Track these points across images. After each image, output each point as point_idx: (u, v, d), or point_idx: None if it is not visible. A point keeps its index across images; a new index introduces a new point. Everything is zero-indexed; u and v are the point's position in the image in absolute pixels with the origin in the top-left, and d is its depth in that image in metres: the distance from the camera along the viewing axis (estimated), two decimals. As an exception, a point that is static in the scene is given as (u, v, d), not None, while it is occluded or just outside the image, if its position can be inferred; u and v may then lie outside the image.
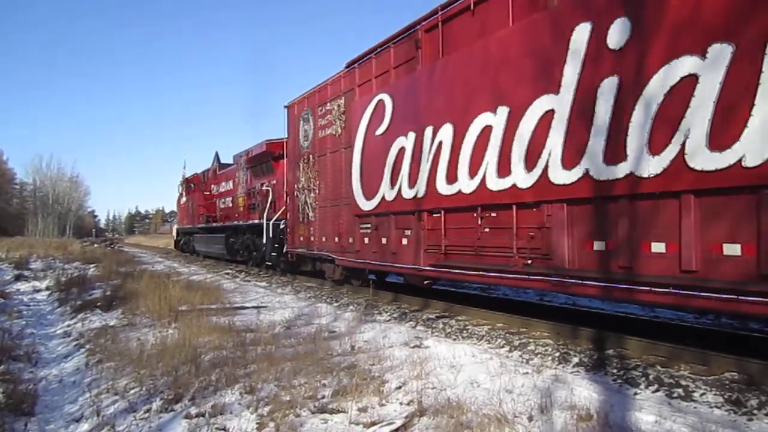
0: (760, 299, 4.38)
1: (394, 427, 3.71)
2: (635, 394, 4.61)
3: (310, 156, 12.65)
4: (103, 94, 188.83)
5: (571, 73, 6.04)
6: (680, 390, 4.63)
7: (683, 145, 4.90)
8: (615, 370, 5.27)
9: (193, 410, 4.27)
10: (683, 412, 4.05)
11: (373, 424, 3.80)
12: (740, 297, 4.51)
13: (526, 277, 6.73)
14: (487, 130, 7.20)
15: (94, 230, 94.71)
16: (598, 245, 5.84)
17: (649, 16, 5.28)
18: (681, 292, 5.00)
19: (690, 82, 4.87)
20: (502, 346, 6.48)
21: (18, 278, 16.23)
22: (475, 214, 7.52)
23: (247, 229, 18.37)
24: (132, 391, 4.93)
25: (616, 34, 5.55)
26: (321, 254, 12.24)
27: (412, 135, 8.73)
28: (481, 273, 7.45)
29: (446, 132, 7.93)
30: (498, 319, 7.80)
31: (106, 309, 9.59)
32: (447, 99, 8.00)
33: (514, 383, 4.55)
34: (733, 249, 4.70)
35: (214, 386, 4.74)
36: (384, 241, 9.73)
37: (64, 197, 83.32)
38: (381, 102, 9.63)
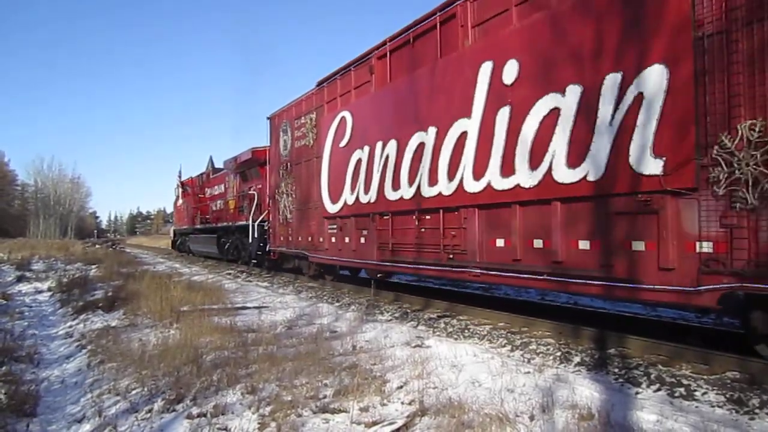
0: (600, 283, 5.81)
1: (395, 426, 3.71)
2: (637, 393, 4.61)
3: (288, 164, 14.08)
4: (103, 94, 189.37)
5: (478, 102, 7.46)
6: (682, 389, 4.63)
7: (551, 163, 6.32)
8: (616, 370, 5.27)
9: (195, 410, 4.27)
10: (685, 411, 4.05)
11: (375, 423, 3.80)
12: (588, 282, 5.93)
13: (450, 269, 8.12)
14: (421, 147, 8.64)
15: (95, 231, 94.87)
16: (499, 242, 7.32)
17: (529, 58, 6.69)
18: (553, 279, 6.39)
19: (555, 113, 6.29)
20: (504, 346, 6.48)
21: (20, 279, 16.25)
22: (414, 217, 8.91)
23: (236, 230, 19.55)
24: (134, 392, 4.94)
25: (509, 73, 6.98)
26: (298, 252, 13.58)
27: (367, 148, 10.14)
28: (418, 266, 8.87)
29: (392, 147, 9.38)
30: (499, 319, 7.80)
31: (108, 310, 9.60)
32: (392, 118, 9.43)
33: (516, 383, 4.56)
34: (585, 245, 6.07)
35: (215, 386, 4.75)
36: (347, 240, 11.06)
37: (65, 198, 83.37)
38: (344, 118, 11.05)
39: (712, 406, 4.25)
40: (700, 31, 4.97)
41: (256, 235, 16.96)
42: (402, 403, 4.24)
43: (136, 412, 4.45)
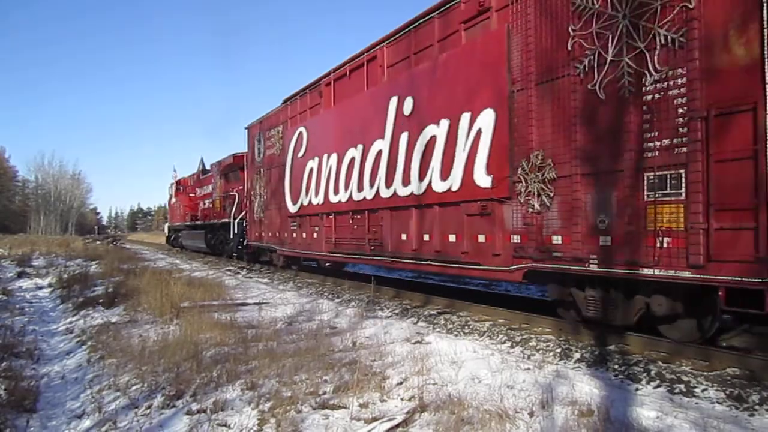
0: (460, 266, 7.83)
1: (395, 422, 3.71)
2: (637, 389, 4.61)
3: (261, 169, 16.12)
4: (104, 90, 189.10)
5: (389, 127, 9.43)
6: (682, 386, 4.62)
7: (431, 177, 8.30)
8: (616, 366, 5.27)
9: (195, 406, 4.28)
10: (685, 407, 4.05)
11: (374, 419, 3.80)
12: (455, 265, 7.95)
13: (371, 257, 10.19)
14: (353, 160, 10.63)
15: (96, 227, 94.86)
16: (402, 236, 9.20)
17: (419, 95, 8.68)
18: (436, 263, 8.34)
19: (434, 139, 8.28)
20: (504, 342, 6.48)
21: (20, 275, 16.27)
22: (348, 216, 10.99)
23: (220, 227, 21.60)
24: (133, 388, 4.94)
25: (407, 106, 8.97)
26: (269, 246, 15.71)
27: (317, 159, 12.23)
28: (353, 256, 10.92)
29: (334, 159, 11.44)
30: (500, 315, 7.80)
31: (108, 306, 9.61)
32: (334, 136, 11.45)
33: (516, 379, 4.56)
34: (452, 237, 8.00)
35: (215, 382, 4.75)
36: (304, 235, 13.16)
37: (66, 194, 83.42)
38: (301, 133, 13.12)
39: (712, 403, 4.25)
40: (513, 87, 6.90)
41: (236, 232, 19.15)
42: (402, 399, 4.25)
43: (135, 408, 4.45)
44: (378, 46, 10.04)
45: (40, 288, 13.89)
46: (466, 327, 7.36)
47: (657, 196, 5.21)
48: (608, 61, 5.66)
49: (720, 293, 4.86)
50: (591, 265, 5.84)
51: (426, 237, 8.59)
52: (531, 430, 3.53)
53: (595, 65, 5.80)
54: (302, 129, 13.04)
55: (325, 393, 4.39)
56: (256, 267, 18.02)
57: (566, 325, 6.74)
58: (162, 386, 4.84)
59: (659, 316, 5.67)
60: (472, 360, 5.16)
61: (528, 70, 6.64)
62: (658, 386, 4.68)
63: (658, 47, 5.23)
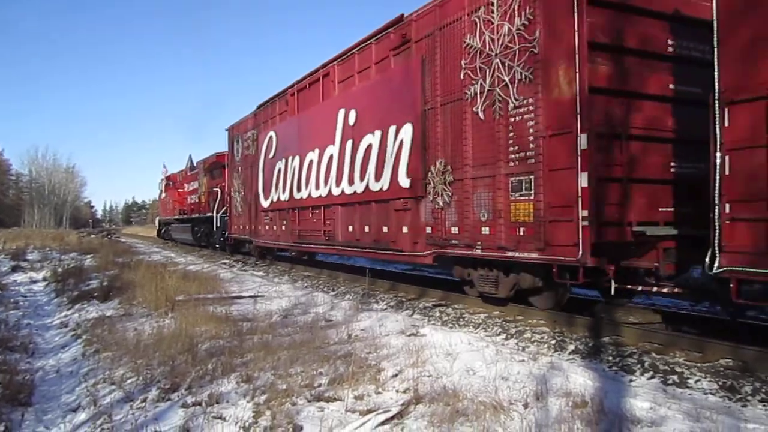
0: (391, 252, 9.39)
1: (390, 414, 3.72)
2: (630, 381, 4.64)
3: (239, 168, 17.70)
4: (98, 84, 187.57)
5: (338, 135, 10.88)
6: (675, 377, 4.65)
7: (368, 178, 9.76)
8: (611, 358, 5.30)
9: (190, 399, 4.28)
10: (678, 398, 4.08)
11: (370, 411, 3.82)
12: (387, 251, 9.51)
13: (327, 246, 11.87)
14: (311, 162, 12.09)
15: (90, 221, 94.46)
16: (351, 227, 10.66)
17: (361, 109, 10.13)
18: (374, 251, 9.96)
19: (370, 146, 9.71)
20: (499, 334, 6.50)
21: (15, 269, 16.20)
22: (309, 211, 12.54)
23: (205, 221, 23.20)
24: (129, 381, 4.94)
25: (352, 118, 10.38)
26: (247, 238, 17.37)
27: (284, 160, 13.65)
28: (313, 245, 12.62)
29: (297, 161, 12.88)
30: (495, 308, 7.82)
31: (103, 299, 9.59)
32: (297, 140, 12.94)
33: (510, 371, 4.57)
34: (385, 229, 9.48)
35: (210, 375, 4.76)
36: (275, 228, 14.62)
37: (60, 188, 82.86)
38: (271, 136, 14.58)
39: (705, 394, 4.28)
40: (426, 106, 8.37)
41: (218, 225, 21.07)
42: (397, 391, 4.26)
43: (131, 401, 4.46)
44: (331, 64, 11.50)
45: (35, 282, 13.84)
46: (461, 319, 7.38)
47: (516, 196, 6.74)
48: (486, 90, 7.17)
49: (554, 269, 6.28)
50: (476, 250, 7.39)
51: (366, 228, 10.12)
52: (525, 422, 3.55)
53: (478, 92, 7.30)
54: (272, 133, 14.59)
55: (320, 385, 4.39)
56: (251, 260, 18.07)
57: (561, 317, 6.77)
58: (157, 379, 4.83)
59: (526, 290, 7.19)
60: (467, 352, 5.17)
61: (435, 93, 8.16)
62: (652, 377, 4.71)
63: (517, 81, 6.68)
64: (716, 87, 4.85)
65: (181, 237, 29.00)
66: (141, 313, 8.07)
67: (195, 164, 26.77)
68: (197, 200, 25.44)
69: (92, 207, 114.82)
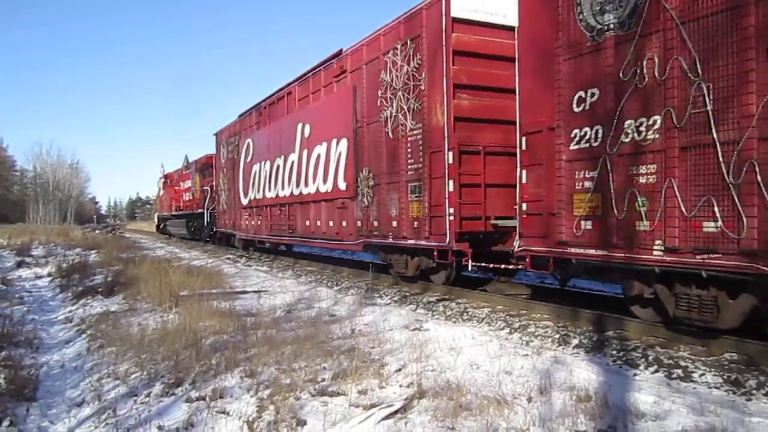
0: (337, 242, 11.86)
1: (393, 409, 3.72)
2: (635, 375, 4.62)
3: (225, 169, 19.93)
4: (102, 79, 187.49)
5: (297, 145, 12.97)
6: (679, 371, 4.64)
7: (318, 181, 11.90)
8: (615, 352, 5.28)
9: (194, 394, 4.29)
10: (682, 392, 4.06)
11: (373, 406, 3.81)
12: (336, 241, 11.80)
13: (290, 238, 14.30)
14: (278, 167, 14.23)
15: (95, 216, 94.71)
16: (308, 222, 12.77)
17: (314, 124, 12.26)
18: (332, 241, 12.07)
19: (320, 155, 11.78)
20: (502, 329, 6.49)
21: (20, 265, 16.28)
22: (278, 208, 14.76)
23: (198, 216, 25.47)
24: (133, 376, 4.96)
25: (307, 131, 12.50)
26: (231, 232, 19.63)
27: (258, 164, 15.88)
28: (281, 237, 14.90)
29: (268, 165, 15.06)
30: (498, 302, 7.82)
31: (108, 295, 9.62)
32: (268, 147, 15.18)
33: (514, 365, 4.57)
34: (332, 223, 11.60)
35: (214, 370, 4.76)
36: (253, 222, 16.93)
37: (64, 184, 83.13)
38: (249, 143, 16.95)
39: (710, 388, 4.26)
40: (356, 124, 10.39)
41: (208, 220, 23.51)
42: (400, 385, 4.25)
43: (135, 396, 4.47)
44: (293, 84, 13.82)
45: (40, 277, 13.91)
46: (465, 314, 7.38)
47: (413, 197, 8.80)
48: (393, 115, 9.22)
49: (435, 253, 8.38)
50: (389, 239, 9.47)
51: (318, 223, 12.24)
52: (529, 416, 3.54)
53: (388, 117, 9.35)
54: (250, 140, 16.88)
55: (323, 380, 4.39)
56: (255, 255, 18.25)
57: (564, 312, 6.76)
58: (161, 374, 4.85)
59: (426, 270, 9.17)
60: (470, 346, 5.17)
61: (362, 114, 10.22)
62: (656, 371, 4.69)
63: (412, 110, 8.71)
64: (518, 123, 6.83)
65: (177, 231, 30.98)
66: (145, 308, 8.09)
67: (190, 164, 28.77)
68: (191, 197, 27.59)
69: (97, 202, 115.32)
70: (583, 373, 4.31)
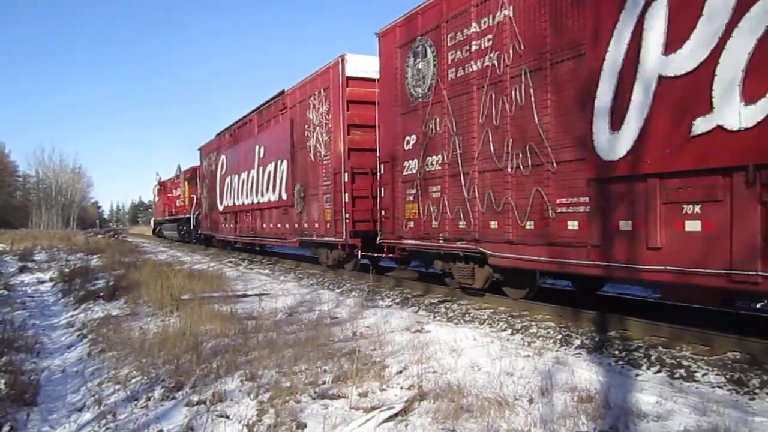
0: (282, 240, 15.35)
1: (394, 411, 3.70)
2: (637, 375, 4.60)
3: (206, 179, 23.68)
4: (104, 84, 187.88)
5: (256, 162, 16.35)
6: (682, 370, 4.61)
7: (269, 192, 15.38)
8: (617, 352, 5.26)
9: (194, 398, 4.28)
10: (685, 392, 4.04)
11: (374, 408, 3.79)
12: (278, 240, 15.66)
13: (252, 238, 17.56)
14: (244, 180, 17.52)
15: (97, 221, 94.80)
16: (264, 225, 16.15)
17: (267, 147, 15.75)
18: (273, 239, 15.99)
19: (270, 172, 15.30)
20: (504, 330, 6.46)
21: (22, 270, 16.29)
22: (245, 214, 17.90)
23: (186, 221, 29.33)
24: (134, 380, 4.95)
25: (262, 152, 16.08)
26: (212, 234, 23.11)
27: (230, 177, 19.33)
28: (248, 238, 18.02)
29: (236, 178, 18.45)
30: (500, 303, 7.79)
31: (109, 299, 9.61)
32: (236, 163, 18.53)
33: (515, 366, 4.54)
34: (279, 226, 15.05)
35: (215, 374, 4.75)
36: (228, 226, 20.15)
37: (67, 189, 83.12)
38: (223, 158, 20.62)
39: (713, 387, 4.24)
40: (293, 149, 13.70)
41: (194, 224, 27.27)
42: (401, 388, 4.24)
43: (135, 401, 4.46)
44: (254, 113, 17.14)
45: (42, 282, 13.90)
46: (467, 315, 7.36)
47: (327, 206, 11.99)
48: (314, 145, 12.57)
49: (339, 246, 11.74)
50: (314, 237, 12.75)
51: (271, 225, 15.50)
52: (530, 417, 3.52)
53: (312, 145, 12.70)
54: (224, 156, 20.51)
55: (324, 383, 4.38)
56: (257, 259, 18.28)
57: (566, 312, 6.74)
58: (162, 378, 4.84)
59: (340, 260, 12.28)
60: (471, 348, 5.14)
61: (297, 141, 13.57)
62: (659, 371, 4.67)
63: (324, 141, 12.12)
64: (378, 153, 10.07)
65: (170, 234, 34.82)
66: (146, 312, 8.09)
67: (181, 173, 32.21)
68: (181, 203, 31.29)
69: (99, 207, 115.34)
70: (585, 373, 4.29)
